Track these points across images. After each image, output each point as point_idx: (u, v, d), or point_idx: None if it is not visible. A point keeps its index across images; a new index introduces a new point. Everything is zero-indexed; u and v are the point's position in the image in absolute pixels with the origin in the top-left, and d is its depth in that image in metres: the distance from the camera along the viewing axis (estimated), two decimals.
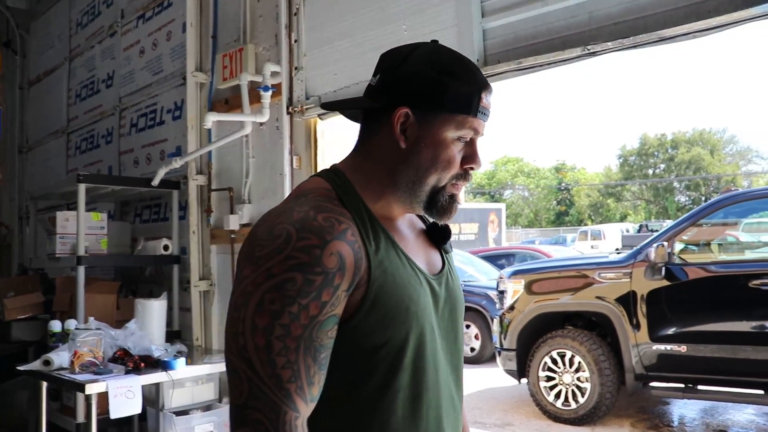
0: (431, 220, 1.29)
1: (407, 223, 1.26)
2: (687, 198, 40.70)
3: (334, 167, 1.22)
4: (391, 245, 1.13)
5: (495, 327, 6.36)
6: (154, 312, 3.76)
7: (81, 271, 3.91)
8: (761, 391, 5.01)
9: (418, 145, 1.14)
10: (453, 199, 1.19)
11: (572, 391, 5.61)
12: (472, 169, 1.18)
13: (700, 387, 5.28)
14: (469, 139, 1.16)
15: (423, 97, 1.13)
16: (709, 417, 5.86)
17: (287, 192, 3.61)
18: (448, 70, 1.14)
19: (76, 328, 3.55)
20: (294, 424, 0.98)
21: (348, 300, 1.05)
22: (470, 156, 1.17)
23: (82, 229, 3.96)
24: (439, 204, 1.17)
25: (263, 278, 1.00)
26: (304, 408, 1.01)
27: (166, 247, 4.31)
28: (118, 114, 5.17)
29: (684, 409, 6.13)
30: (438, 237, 1.30)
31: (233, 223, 3.91)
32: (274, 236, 1.02)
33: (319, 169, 3.54)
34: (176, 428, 3.52)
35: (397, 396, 1.10)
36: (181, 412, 3.59)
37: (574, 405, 5.59)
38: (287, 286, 0.99)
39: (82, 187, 4.00)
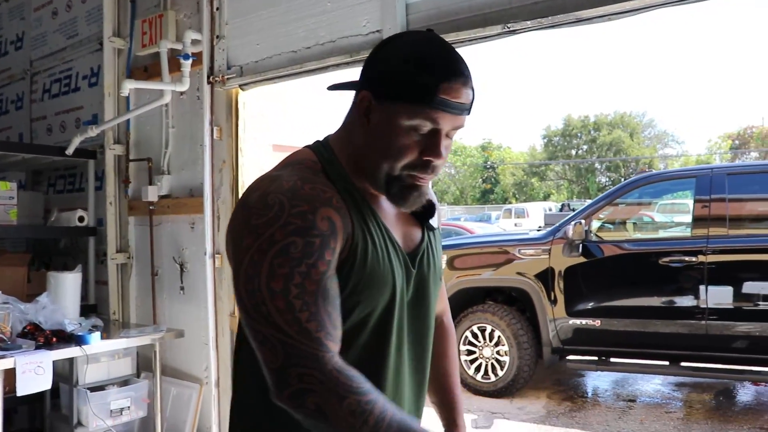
0: None
1: None
2: (607, 179, 42.06)
3: (325, 139, 1.27)
4: (371, 216, 1.19)
5: None
6: (67, 285, 3.63)
7: None
8: (667, 363, 5.28)
9: (376, 130, 1.16)
10: (411, 188, 1.18)
11: (492, 364, 5.76)
12: (431, 161, 1.16)
13: (612, 359, 5.52)
14: (428, 130, 1.14)
15: (383, 84, 1.15)
16: (620, 388, 6.13)
17: (207, 163, 3.54)
18: (413, 59, 1.12)
19: None
20: (336, 361, 1.06)
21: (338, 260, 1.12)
22: (429, 148, 1.15)
23: None
24: (392, 192, 1.18)
25: (267, 245, 1.06)
26: (336, 347, 1.08)
27: (81, 219, 4.15)
28: (29, 78, 4.91)
29: (597, 381, 6.40)
30: (422, 213, 1.31)
31: (152, 194, 3.81)
32: (268, 205, 1.08)
33: (239, 142, 3.53)
34: (90, 404, 3.42)
35: (356, 355, 1.16)
36: (97, 388, 3.49)
37: (493, 378, 5.75)
38: (291, 249, 1.05)
39: None
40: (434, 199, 1.38)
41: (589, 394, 6.04)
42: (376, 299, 1.17)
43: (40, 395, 3.72)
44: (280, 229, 1.06)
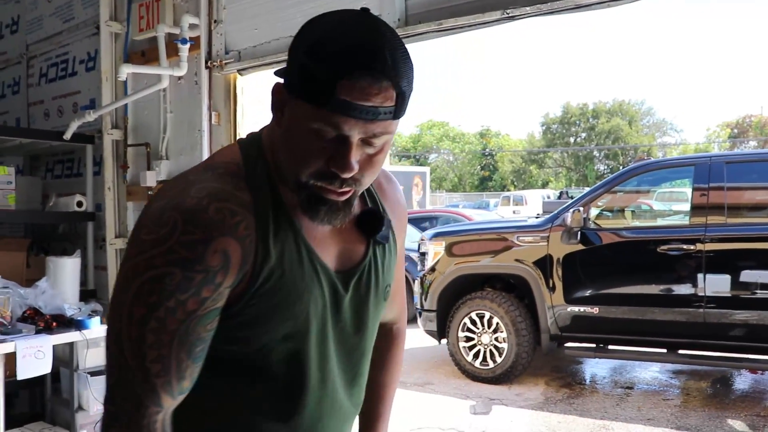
0: (368, 204, 1.17)
1: None
2: (606, 167, 42.12)
3: (259, 132, 1.11)
4: (292, 237, 1.03)
5: (416, 288, 6.47)
6: (66, 270, 3.64)
7: None
8: (664, 350, 5.30)
9: (286, 128, 0.99)
10: (318, 201, 0.99)
11: (490, 351, 5.78)
12: (337, 174, 0.96)
13: (610, 347, 5.54)
14: (334, 136, 0.94)
15: (289, 77, 0.98)
16: (617, 375, 6.16)
17: (206, 149, 3.53)
18: (315, 48, 0.92)
19: None
20: (153, 419, 0.95)
21: (231, 292, 0.98)
22: (335, 158, 0.95)
23: None
24: (301, 201, 1.01)
25: (143, 267, 0.93)
26: (170, 401, 0.97)
27: (80, 204, 4.14)
28: (26, 63, 4.88)
29: (595, 368, 6.42)
30: (369, 225, 1.13)
31: (150, 179, 3.79)
32: (161, 223, 0.94)
33: (238, 127, 3.52)
34: (91, 388, 3.44)
35: (268, 389, 1.06)
36: (97, 372, 3.50)
37: (491, 364, 5.77)
38: (166, 280, 0.92)
39: None
40: (395, 205, 1.24)
41: (587, 381, 6.07)
42: (284, 329, 1.03)
43: (41, 379, 3.73)
44: (162, 255, 0.92)
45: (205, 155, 3.52)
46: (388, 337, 1.38)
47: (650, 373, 6.15)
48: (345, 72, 0.89)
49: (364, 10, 0.97)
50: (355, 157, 0.95)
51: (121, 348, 0.94)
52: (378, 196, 1.19)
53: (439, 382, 5.91)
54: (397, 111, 0.94)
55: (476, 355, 5.85)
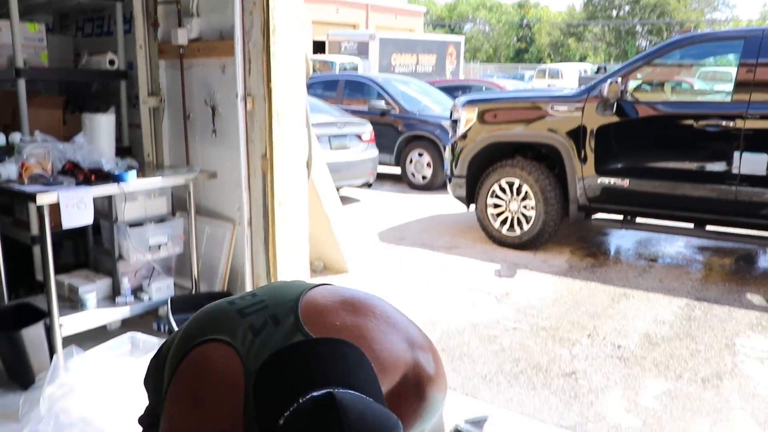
0: None
1: None
2: (648, 43, 40.44)
3: None
4: None
5: (447, 155, 6.49)
6: (102, 126, 3.69)
7: (21, 84, 3.74)
8: (692, 225, 5.31)
9: None
10: None
11: (518, 218, 5.86)
12: None
13: (638, 219, 5.57)
14: None
15: None
16: (642, 248, 6.23)
17: (238, 5, 3.45)
18: None
19: (21, 141, 3.47)
20: None
21: None
22: None
23: (18, 39, 3.72)
24: None
25: None
26: None
27: (111, 62, 4.14)
28: None
29: (620, 240, 6.50)
30: None
31: (182, 37, 3.76)
32: None
33: None
34: (131, 239, 3.58)
35: None
36: (135, 224, 3.64)
37: (518, 231, 5.86)
38: None
39: None
40: None
41: (612, 253, 6.16)
42: None
43: (83, 231, 3.90)
44: None
45: (237, 12, 3.44)
46: None
47: (675, 247, 6.20)
48: None
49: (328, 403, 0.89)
50: None
51: None
52: None
53: (466, 247, 6.06)
54: None
55: (503, 222, 5.94)
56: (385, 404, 0.98)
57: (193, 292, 3.84)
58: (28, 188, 3.05)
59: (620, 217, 5.60)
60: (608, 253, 6.11)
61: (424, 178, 9.31)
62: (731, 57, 5.87)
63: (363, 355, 1.03)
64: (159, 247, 3.73)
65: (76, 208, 3.07)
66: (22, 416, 2.78)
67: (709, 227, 5.27)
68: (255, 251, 3.70)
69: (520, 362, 3.66)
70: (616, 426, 3.00)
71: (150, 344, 3.30)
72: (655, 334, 4.04)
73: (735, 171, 4.87)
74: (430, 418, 1.23)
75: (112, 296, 3.71)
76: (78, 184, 3.17)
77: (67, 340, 3.17)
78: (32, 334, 3.15)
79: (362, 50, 23.52)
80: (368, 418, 0.89)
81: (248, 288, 3.78)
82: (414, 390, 1.19)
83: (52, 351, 3.16)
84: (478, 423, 2.69)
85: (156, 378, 1.32)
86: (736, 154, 4.85)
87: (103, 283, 3.71)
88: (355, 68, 20.16)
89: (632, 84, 5.54)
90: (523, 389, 3.35)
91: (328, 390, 0.91)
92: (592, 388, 3.35)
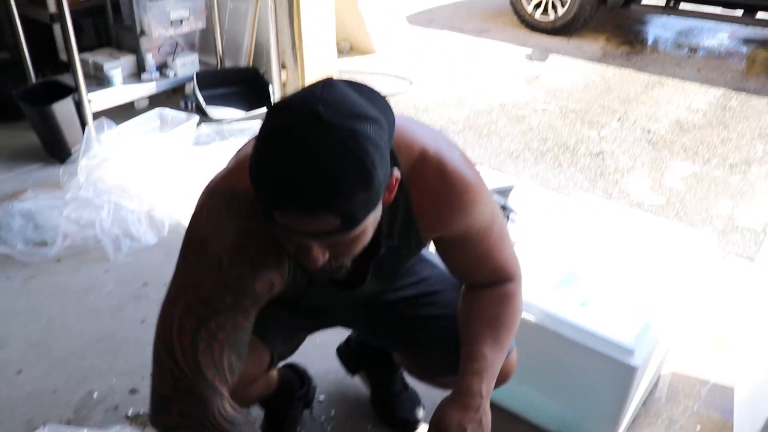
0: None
1: None
2: None
3: None
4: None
5: None
6: None
7: None
8: (740, 12, 5.01)
9: None
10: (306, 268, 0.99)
11: (552, 2, 5.55)
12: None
13: (681, 6, 5.26)
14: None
15: None
16: (683, 37, 5.93)
17: None
18: (252, 171, 0.87)
19: None
20: (224, 407, 1.03)
21: None
22: (300, 252, 0.95)
23: None
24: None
25: (195, 288, 1.01)
26: (228, 392, 1.05)
27: None
28: None
29: (660, 29, 6.18)
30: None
31: None
32: (207, 255, 1.01)
33: None
34: (152, 13, 3.49)
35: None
36: None
37: (552, 16, 5.59)
38: (216, 303, 1.00)
39: None
40: (439, 216, 1.12)
41: (649, 41, 5.88)
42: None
43: (102, 9, 3.79)
44: (213, 284, 1.00)
45: None
46: (482, 298, 1.27)
47: (717, 39, 5.89)
48: (275, 206, 0.85)
49: (315, 115, 0.82)
50: (319, 254, 0.94)
51: (174, 357, 1.00)
52: (411, 201, 1.10)
53: (496, 31, 5.82)
54: (349, 226, 0.88)
55: (537, 6, 5.64)
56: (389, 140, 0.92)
57: (219, 67, 3.78)
58: None
59: (663, 3, 5.28)
60: (645, 42, 5.84)
61: None
62: None
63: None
64: (181, 21, 3.62)
65: None
66: (64, 184, 2.88)
67: (760, 15, 4.95)
68: (280, 25, 3.58)
69: (547, 141, 3.65)
70: (639, 203, 3.05)
71: (178, 119, 3.33)
72: (686, 121, 3.97)
73: None
74: None
75: (138, 73, 3.68)
76: None
77: (97, 116, 3.19)
78: (63, 109, 3.17)
79: None
80: (351, 101, 0.85)
81: (274, 63, 3.71)
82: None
83: (83, 125, 3.21)
84: (504, 192, 2.74)
85: None
86: None
87: (128, 60, 3.67)
88: None
89: None
90: (549, 166, 3.38)
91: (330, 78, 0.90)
92: (618, 168, 3.36)
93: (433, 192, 1.08)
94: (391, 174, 0.92)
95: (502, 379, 1.34)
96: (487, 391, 1.17)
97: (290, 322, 1.40)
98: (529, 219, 2.65)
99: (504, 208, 2.66)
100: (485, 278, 1.25)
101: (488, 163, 3.38)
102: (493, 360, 1.19)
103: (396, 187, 0.95)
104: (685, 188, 3.17)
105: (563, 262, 1.73)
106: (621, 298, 1.62)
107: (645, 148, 3.58)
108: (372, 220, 0.93)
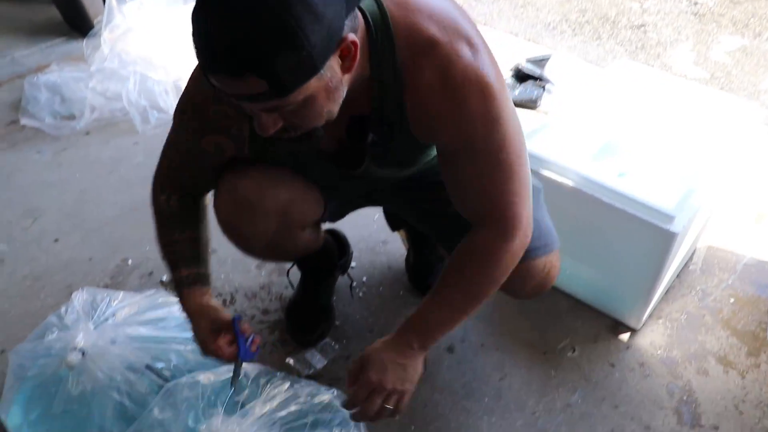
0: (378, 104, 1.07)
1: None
2: None
3: None
4: None
5: None
6: None
7: None
8: None
9: None
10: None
11: None
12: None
13: None
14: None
15: None
16: None
17: None
18: (191, 32, 0.85)
19: None
20: (162, 202, 1.30)
21: None
22: (253, 120, 0.96)
23: None
24: None
25: (171, 131, 1.29)
26: (175, 192, 1.31)
27: None
28: None
29: None
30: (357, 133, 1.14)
31: None
32: (179, 107, 1.23)
33: None
34: None
35: None
36: None
37: None
38: (178, 142, 1.27)
39: None
40: (438, 113, 1.01)
41: None
42: None
43: None
44: (175, 125, 1.23)
45: None
46: (464, 245, 1.16)
47: None
48: (204, 69, 0.85)
49: None
50: (269, 122, 0.92)
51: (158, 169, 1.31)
52: (404, 89, 1.01)
53: None
54: (280, 91, 0.84)
55: None
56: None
57: None
58: None
59: None
60: None
61: None
62: None
63: None
64: None
65: None
66: (88, 57, 2.83)
67: None
68: None
69: (586, 12, 3.46)
70: (681, 77, 2.91)
71: None
72: None
73: None
74: None
75: None
76: None
77: None
78: None
79: None
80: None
81: None
82: None
83: None
84: (540, 62, 2.63)
85: None
86: None
87: None
88: None
89: None
90: (587, 38, 3.22)
91: None
92: (661, 41, 3.20)
93: (429, 89, 0.99)
94: (343, 39, 0.85)
95: (542, 285, 1.33)
96: (421, 345, 1.16)
97: (343, 189, 1.40)
98: (566, 89, 2.54)
99: (539, 78, 2.55)
100: (475, 212, 1.14)
101: (523, 35, 3.23)
102: (440, 319, 1.16)
103: (356, 56, 0.88)
104: (732, 62, 3.02)
105: (600, 133, 1.66)
106: (661, 169, 1.56)
107: (690, 21, 3.39)
108: (318, 88, 0.88)
